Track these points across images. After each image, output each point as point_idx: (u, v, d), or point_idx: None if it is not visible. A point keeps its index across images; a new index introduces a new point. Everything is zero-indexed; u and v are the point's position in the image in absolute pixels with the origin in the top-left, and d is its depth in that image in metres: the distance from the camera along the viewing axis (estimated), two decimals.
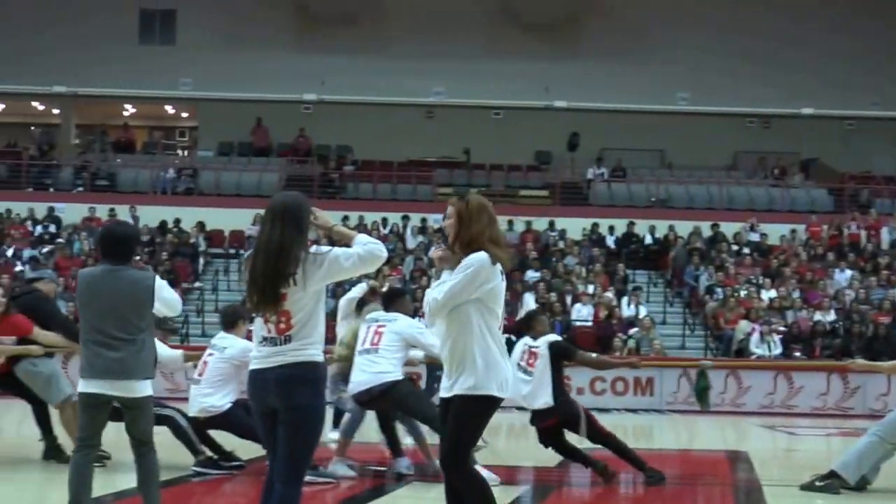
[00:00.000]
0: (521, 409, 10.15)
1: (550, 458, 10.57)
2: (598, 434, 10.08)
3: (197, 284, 26.24)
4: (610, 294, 24.65)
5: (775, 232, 29.29)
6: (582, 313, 23.83)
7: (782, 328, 23.42)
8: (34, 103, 39.04)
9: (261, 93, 32.64)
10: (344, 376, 10.57)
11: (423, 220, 29.50)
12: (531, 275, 26.04)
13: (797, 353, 22.76)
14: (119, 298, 6.68)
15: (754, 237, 29.10)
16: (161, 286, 6.85)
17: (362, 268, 5.59)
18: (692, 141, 33.78)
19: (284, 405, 5.43)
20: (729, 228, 29.24)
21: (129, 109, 39.04)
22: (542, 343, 10.02)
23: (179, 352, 10.97)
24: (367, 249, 5.50)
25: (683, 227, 29.12)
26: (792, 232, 29.30)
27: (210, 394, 9.98)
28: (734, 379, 21.16)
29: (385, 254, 5.65)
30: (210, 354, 10.13)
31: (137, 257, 6.98)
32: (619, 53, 33.76)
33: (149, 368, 6.82)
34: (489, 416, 5.89)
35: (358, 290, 12.51)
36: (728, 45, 33.67)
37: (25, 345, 10.20)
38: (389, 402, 9.82)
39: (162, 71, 33.54)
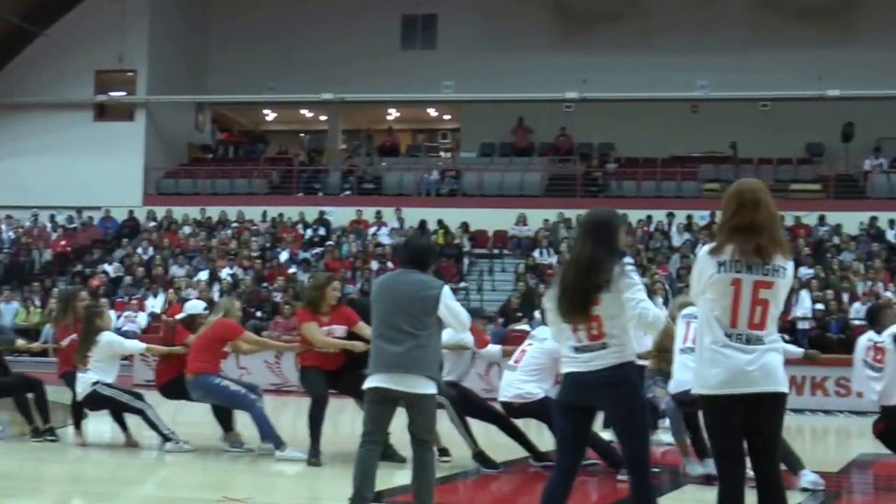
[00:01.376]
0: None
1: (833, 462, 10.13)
2: None
3: (462, 285, 26.46)
4: (891, 293, 23.50)
5: None
6: (861, 312, 22.76)
7: None
8: (303, 111, 40.39)
9: (522, 93, 32.62)
10: (662, 374, 10.42)
11: (689, 217, 28.95)
12: (804, 272, 25.10)
13: None
14: (408, 295, 6.95)
15: None
16: (448, 295, 7.04)
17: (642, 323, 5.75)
18: None
19: (613, 406, 5.74)
20: None
21: (393, 113, 39.88)
22: (887, 337, 9.43)
23: (497, 347, 11.06)
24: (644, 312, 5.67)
25: None
26: None
27: (525, 381, 10.00)
28: None
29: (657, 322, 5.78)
30: (529, 344, 10.20)
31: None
32: None
33: (432, 368, 6.96)
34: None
35: None
36: None
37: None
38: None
39: (424, 75, 34.01)
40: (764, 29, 32.99)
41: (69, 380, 11.89)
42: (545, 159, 33.54)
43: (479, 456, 10.30)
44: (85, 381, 11.32)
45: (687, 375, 9.17)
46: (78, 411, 11.77)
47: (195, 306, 12.27)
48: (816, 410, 19.49)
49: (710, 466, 9.63)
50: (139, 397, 11.50)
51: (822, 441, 15.97)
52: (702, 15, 33.23)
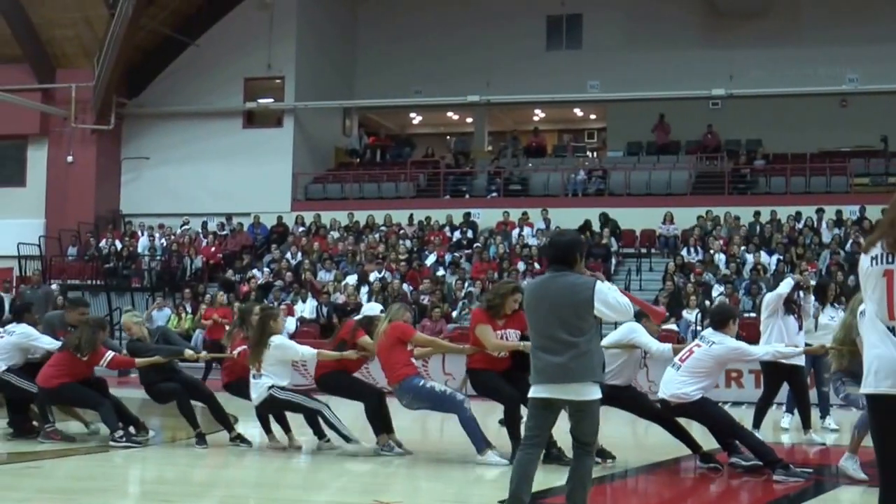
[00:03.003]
0: None
1: None
2: None
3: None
4: None
5: None
6: None
7: None
8: (449, 113, 40.85)
9: (667, 91, 32.51)
10: (850, 372, 10.26)
11: (839, 213, 28.53)
12: None
13: None
14: (561, 303, 6.87)
15: None
16: (601, 290, 6.91)
17: None
18: None
19: None
20: None
21: (539, 114, 40.07)
22: None
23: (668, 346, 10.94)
24: None
25: None
26: None
27: (686, 381, 10.02)
28: None
29: None
30: (697, 345, 10.23)
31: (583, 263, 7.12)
32: None
33: (596, 372, 6.90)
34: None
35: (785, 287, 12.48)
36: None
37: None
38: None
39: (569, 75, 34.17)
40: None
41: (233, 390, 12.39)
42: (692, 157, 33.37)
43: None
44: (260, 387, 11.54)
45: None
46: (264, 418, 12.01)
47: (372, 308, 12.64)
48: None
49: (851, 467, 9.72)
50: (314, 398, 11.74)
51: None
52: (849, 6, 32.71)
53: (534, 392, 6.96)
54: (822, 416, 14.04)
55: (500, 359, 10.72)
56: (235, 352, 12.28)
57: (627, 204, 30.25)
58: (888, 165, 31.44)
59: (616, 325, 10.40)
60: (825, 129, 32.61)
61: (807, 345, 12.45)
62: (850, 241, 26.60)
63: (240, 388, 12.21)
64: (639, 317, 10.27)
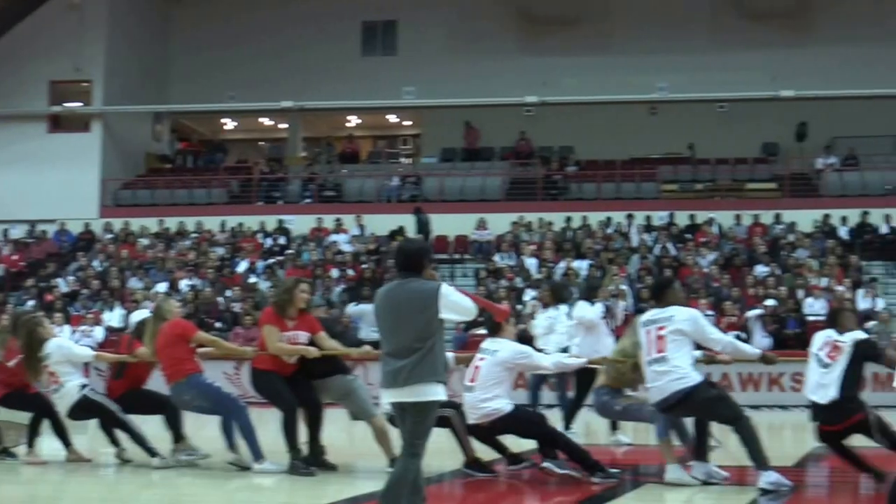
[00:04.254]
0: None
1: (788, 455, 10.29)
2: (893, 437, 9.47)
3: None
4: (843, 287, 23.83)
5: None
6: (815, 307, 23.13)
7: None
8: (263, 119, 40.42)
9: (482, 97, 32.79)
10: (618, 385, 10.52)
11: (648, 218, 29.23)
12: (760, 270, 25.44)
13: None
14: (408, 311, 6.89)
15: None
16: (445, 295, 6.90)
17: None
18: None
19: None
20: None
21: (354, 120, 39.99)
22: (849, 339, 9.53)
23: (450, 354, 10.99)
24: None
25: None
26: None
27: (487, 398, 9.92)
28: None
29: None
30: (481, 359, 10.09)
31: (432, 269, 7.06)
32: (850, 37, 32.39)
33: (439, 371, 6.90)
34: None
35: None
36: None
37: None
38: (688, 408, 9.60)
39: (385, 81, 34.14)
40: (720, 31, 33.38)
41: (10, 403, 11.71)
42: (505, 163, 33.74)
43: (475, 463, 10.33)
44: (68, 392, 11.08)
45: (658, 385, 9.49)
46: (35, 429, 11.54)
47: (139, 315, 12.24)
48: (773, 406, 19.73)
49: (709, 469, 9.84)
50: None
51: (779, 436, 16.24)
52: (660, 18, 33.53)
53: (385, 398, 7.10)
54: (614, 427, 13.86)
55: (288, 363, 10.55)
56: (11, 362, 11.64)
57: (442, 210, 30.28)
58: (695, 172, 32.32)
59: None
60: (635, 136, 33.32)
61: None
62: (659, 245, 27.20)
63: (15, 400, 11.64)
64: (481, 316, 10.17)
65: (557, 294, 15.44)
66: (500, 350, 10.05)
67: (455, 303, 6.92)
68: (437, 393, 6.85)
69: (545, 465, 10.03)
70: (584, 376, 13.07)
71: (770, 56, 32.51)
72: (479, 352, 10.25)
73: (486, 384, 9.93)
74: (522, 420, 10.16)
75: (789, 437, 15.74)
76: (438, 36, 34.82)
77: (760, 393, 20.25)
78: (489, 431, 10.14)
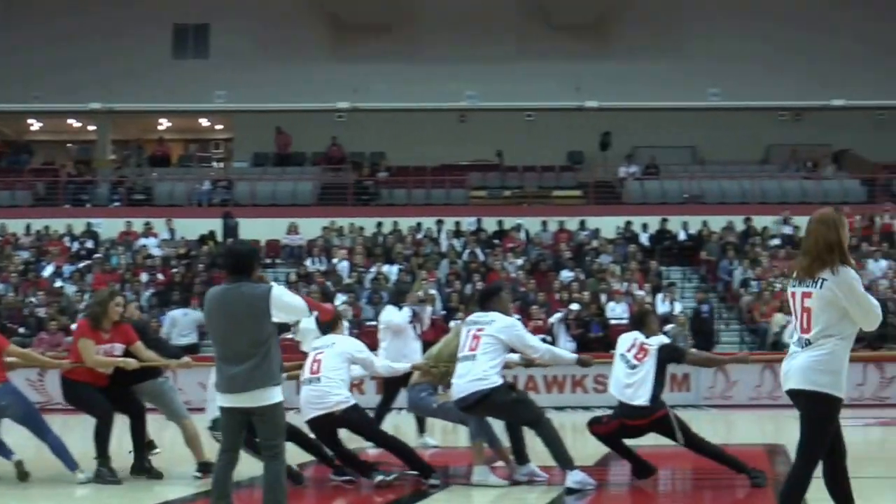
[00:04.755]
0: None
1: (590, 455, 10.72)
2: (693, 440, 9.96)
3: None
4: (643, 291, 24.72)
5: None
6: (616, 311, 23.91)
7: None
8: (70, 121, 39.56)
9: (294, 103, 32.88)
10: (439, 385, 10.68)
11: (457, 224, 29.69)
12: (565, 274, 26.14)
13: None
14: (239, 315, 6.90)
15: (787, 230, 29.07)
16: (276, 296, 6.93)
17: None
18: (724, 136, 33.83)
19: None
20: (762, 222, 29.35)
21: (165, 123, 39.46)
22: (655, 342, 9.97)
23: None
24: None
25: (717, 222, 29.27)
26: None
27: (326, 392, 9.95)
28: (771, 372, 21.26)
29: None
30: (320, 353, 10.10)
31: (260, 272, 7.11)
32: (650, 52, 33.82)
33: (275, 375, 6.96)
34: None
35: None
36: (757, 39, 33.66)
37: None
38: (487, 409, 9.83)
39: (196, 84, 33.91)
40: (529, 42, 34.23)
41: None
42: (317, 169, 33.86)
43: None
44: None
45: (461, 383, 9.74)
46: None
47: None
48: (577, 407, 20.21)
49: (531, 470, 10.12)
50: None
51: (583, 436, 16.66)
52: (470, 27, 34.20)
53: (219, 402, 7.03)
54: (422, 430, 13.92)
55: (102, 374, 10.47)
56: None
57: (253, 214, 30.20)
58: (503, 178, 33.06)
59: None
60: (445, 143, 33.88)
61: None
62: (468, 250, 27.71)
63: None
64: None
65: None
66: (337, 343, 10.18)
67: (287, 304, 6.98)
68: (277, 395, 6.90)
69: (378, 478, 10.09)
70: (392, 381, 13.26)
71: (576, 67, 33.55)
72: (316, 347, 10.28)
73: (331, 376, 9.95)
74: (364, 416, 10.29)
75: (593, 438, 16.25)
76: (251, 40, 34.73)
77: (565, 395, 20.82)
78: (332, 427, 10.11)
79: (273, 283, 7.25)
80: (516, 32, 34.58)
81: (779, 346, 22.44)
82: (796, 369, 6.39)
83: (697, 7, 34.10)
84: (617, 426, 10.01)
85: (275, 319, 6.94)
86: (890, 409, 20.07)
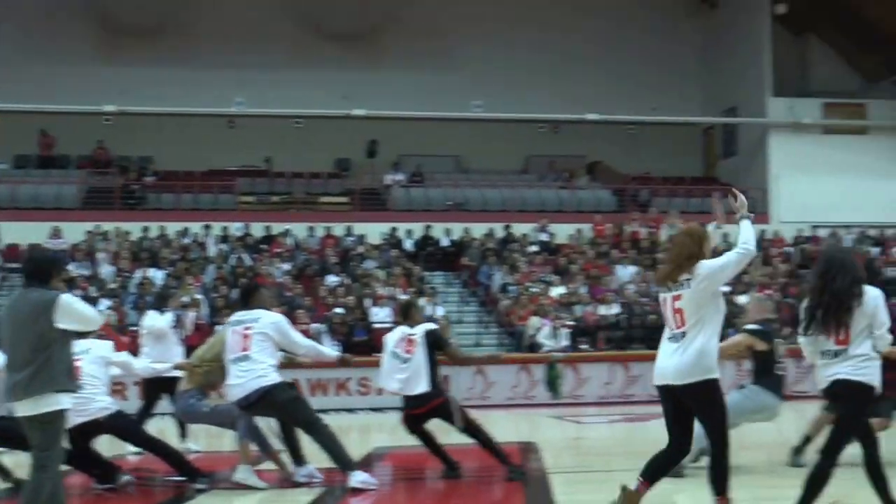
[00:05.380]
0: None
1: (354, 456, 11.19)
2: (470, 426, 10.35)
3: None
4: (407, 296, 25.27)
5: (564, 231, 30.76)
6: (380, 315, 24.49)
7: (570, 322, 24.70)
8: None
9: (59, 104, 32.16)
10: (205, 388, 10.81)
11: (225, 229, 29.66)
12: (331, 279, 26.61)
13: (583, 346, 24.07)
14: (25, 321, 6.86)
15: (544, 237, 30.40)
16: (64, 304, 6.89)
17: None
18: (486, 146, 34.94)
19: None
20: (521, 229, 30.56)
21: None
22: (419, 331, 10.34)
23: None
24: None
25: (478, 229, 30.28)
26: (578, 231, 30.78)
27: (94, 397, 9.93)
28: (527, 373, 22.29)
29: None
30: (78, 359, 9.69)
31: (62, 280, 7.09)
32: (417, 63, 34.64)
33: (56, 381, 6.84)
34: None
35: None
36: (518, 56, 34.91)
37: None
38: (267, 407, 9.96)
39: None
40: (299, 49, 34.46)
41: None
42: (83, 172, 33.27)
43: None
44: None
45: (239, 383, 9.90)
46: None
47: None
48: (340, 409, 20.59)
49: (310, 471, 10.35)
50: None
51: (346, 437, 17.10)
52: (241, 33, 34.23)
53: (15, 411, 6.98)
54: (183, 435, 13.89)
55: None
56: None
57: (14, 217, 29.42)
58: (272, 185, 33.27)
59: None
60: (214, 148, 33.80)
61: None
62: (235, 255, 27.82)
63: None
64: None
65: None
66: (92, 348, 10.17)
67: (75, 311, 6.91)
68: (58, 403, 6.78)
69: (125, 479, 10.16)
70: (154, 385, 13.39)
71: (345, 76, 34.06)
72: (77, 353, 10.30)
73: (92, 382, 9.89)
74: (129, 422, 10.45)
75: (356, 439, 16.55)
76: (15, 40, 33.77)
77: (329, 397, 21.26)
78: (96, 434, 10.08)
79: (62, 293, 7.11)
80: (287, 40, 34.77)
81: (534, 348, 23.55)
82: (676, 369, 7.25)
83: (464, 21, 35.06)
84: (406, 418, 10.47)
85: (60, 326, 6.84)
86: (635, 405, 21.33)
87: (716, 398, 7.25)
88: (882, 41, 34.55)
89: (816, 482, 7.11)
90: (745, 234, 7.32)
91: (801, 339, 7.49)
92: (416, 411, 10.35)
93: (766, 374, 10.67)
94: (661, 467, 7.48)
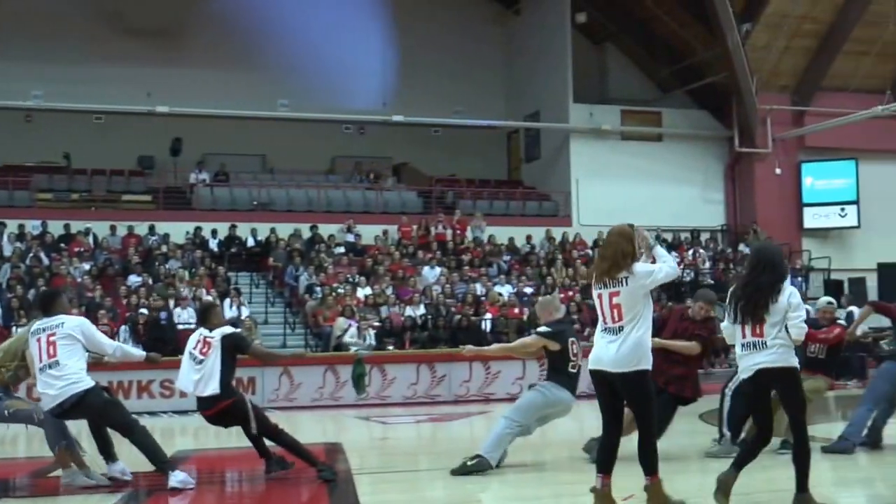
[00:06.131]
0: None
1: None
2: (268, 429, 10.41)
3: None
4: (212, 297, 25.07)
5: (370, 232, 30.97)
6: (183, 316, 24.22)
7: (377, 323, 24.90)
8: None
9: None
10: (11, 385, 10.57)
11: (21, 227, 28.82)
12: (133, 279, 26.18)
13: (390, 347, 24.30)
14: None
15: (350, 238, 30.53)
16: None
17: None
18: (292, 146, 34.85)
19: None
20: (327, 230, 30.61)
21: None
22: (217, 334, 10.36)
23: None
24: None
25: (284, 230, 30.18)
26: (384, 232, 31.02)
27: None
28: (333, 374, 22.35)
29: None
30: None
31: None
32: (222, 60, 34.28)
33: None
34: None
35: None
36: (325, 56, 34.83)
37: None
38: (82, 411, 9.88)
39: None
40: (98, 43, 33.68)
41: None
42: None
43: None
44: None
45: (52, 391, 9.71)
46: None
47: None
48: (143, 412, 20.32)
49: (118, 470, 10.22)
50: None
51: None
52: (38, 25, 33.23)
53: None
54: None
55: None
56: None
57: None
58: (71, 181, 32.42)
59: None
60: (10, 143, 32.79)
61: None
62: (32, 254, 27.05)
63: None
64: None
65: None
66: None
67: None
68: None
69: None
70: None
71: (147, 72, 33.42)
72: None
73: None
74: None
75: (158, 441, 16.50)
76: None
77: (131, 400, 20.77)
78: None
79: None
80: (87, 34, 33.95)
81: (341, 349, 23.65)
82: (614, 359, 7.81)
83: (269, 20, 34.90)
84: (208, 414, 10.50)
85: None
86: (441, 405, 21.64)
87: (646, 387, 7.91)
88: (673, 53, 35.89)
89: (802, 461, 8.04)
90: (665, 257, 8.04)
91: (723, 325, 8.46)
92: (206, 413, 10.45)
93: (561, 372, 11.03)
94: (609, 457, 8.01)
